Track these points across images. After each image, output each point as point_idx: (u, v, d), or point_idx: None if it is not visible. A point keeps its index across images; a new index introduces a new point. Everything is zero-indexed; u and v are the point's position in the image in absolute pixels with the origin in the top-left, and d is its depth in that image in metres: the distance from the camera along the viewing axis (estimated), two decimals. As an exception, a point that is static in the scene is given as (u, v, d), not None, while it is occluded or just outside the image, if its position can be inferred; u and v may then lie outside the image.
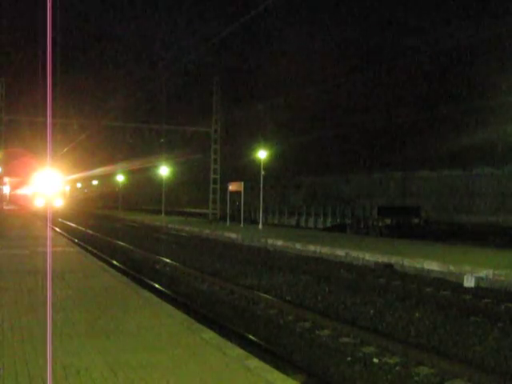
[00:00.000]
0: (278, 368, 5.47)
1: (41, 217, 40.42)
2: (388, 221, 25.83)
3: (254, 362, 5.40)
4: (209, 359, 5.44)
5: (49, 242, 17.50)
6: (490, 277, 12.47)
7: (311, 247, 19.02)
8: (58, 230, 29.72)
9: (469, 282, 12.48)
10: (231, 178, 37.86)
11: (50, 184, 48.62)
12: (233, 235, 25.23)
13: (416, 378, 6.49)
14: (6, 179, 69.28)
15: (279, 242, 21.11)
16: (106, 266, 12.88)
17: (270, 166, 32.20)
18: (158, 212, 51.84)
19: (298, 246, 19.75)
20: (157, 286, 12.07)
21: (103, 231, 30.57)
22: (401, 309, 10.08)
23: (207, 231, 28.05)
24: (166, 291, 11.36)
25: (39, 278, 10.05)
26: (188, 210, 56.19)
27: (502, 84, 31.41)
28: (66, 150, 45.70)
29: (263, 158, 29.84)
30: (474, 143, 33.46)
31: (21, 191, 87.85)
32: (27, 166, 54.97)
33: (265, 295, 11.02)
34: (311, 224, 31.38)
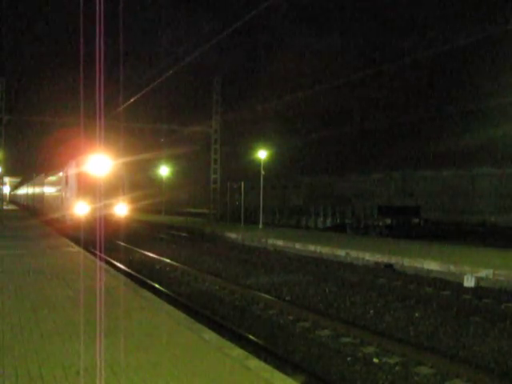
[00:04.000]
0: (278, 368, 5.46)
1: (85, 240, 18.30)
2: (388, 221, 25.80)
3: (254, 362, 5.40)
4: (209, 359, 5.44)
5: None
6: (490, 277, 12.47)
7: (311, 247, 19.02)
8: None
9: (469, 282, 12.48)
10: (231, 177, 37.87)
11: (103, 176, 22.70)
12: (233, 235, 25.23)
13: (416, 378, 6.49)
14: (6, 179, 68.17)
15: (279, 242, 21.10)
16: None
17: (270, 165, 32.19)
18: (157, 212, 51.77)
19: (298, 245, 19.75)
20: (157, 285, 12.06)
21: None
22: (401, 309, 10.09)
23: (208, 231, 28.05)
24: (166, 291, 11.35)
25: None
26: (188, 209, 56.15)
27: (503, 84, 31.42)
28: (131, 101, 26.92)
29: (263, 158, 29.84)
30: (474, 143, 33.50)
31: (49, 190, 35.35)
32: (80, 149, 24.94)
33: (265, 295, 11.02)
34: (311, 224, 31.35)
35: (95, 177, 22.17)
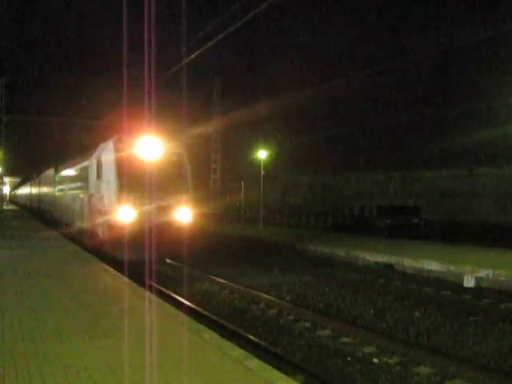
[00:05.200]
0: (278, 368, 5.46)
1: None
2: (388, 221, 25.84)
3: (254, 362, 5.40)
4: (209, 359, 5.43)
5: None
6: (490, 277, 12.47)
7: (311, 247, 19.01)
8: None
9: (469, 282, 12.48)
10: (231, 177, 37.88)
11: (156, 164, 14.42)
12: (233, 235, 25.24)
13: (416, 378, 6.49)
14: (6, 179, 67.92)
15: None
16: (106, 267, 12.81)
17: (270, 165, 32.22)
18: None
19: (298, 245, 19.73)
20: (156, 285, 12.03)
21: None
22: (401, 309, 10.09)
23: (208, 231, 28.02)
24: (167, 291, 11.34)
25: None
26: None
27: (503, 84, 31.42)
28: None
29: (263, 158, 29.88)
30: (474, 143, 33.47)
31: (64, 186, 23.68)
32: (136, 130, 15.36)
33: (265, 295, 11.02)
34: (311, 224, 31.38)
35: (145, 165, 14.40)
